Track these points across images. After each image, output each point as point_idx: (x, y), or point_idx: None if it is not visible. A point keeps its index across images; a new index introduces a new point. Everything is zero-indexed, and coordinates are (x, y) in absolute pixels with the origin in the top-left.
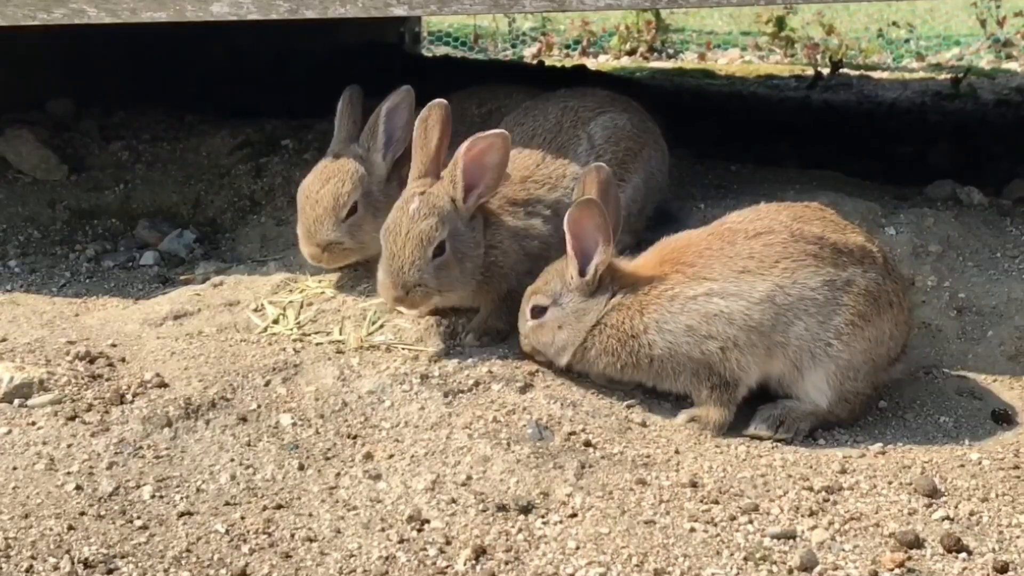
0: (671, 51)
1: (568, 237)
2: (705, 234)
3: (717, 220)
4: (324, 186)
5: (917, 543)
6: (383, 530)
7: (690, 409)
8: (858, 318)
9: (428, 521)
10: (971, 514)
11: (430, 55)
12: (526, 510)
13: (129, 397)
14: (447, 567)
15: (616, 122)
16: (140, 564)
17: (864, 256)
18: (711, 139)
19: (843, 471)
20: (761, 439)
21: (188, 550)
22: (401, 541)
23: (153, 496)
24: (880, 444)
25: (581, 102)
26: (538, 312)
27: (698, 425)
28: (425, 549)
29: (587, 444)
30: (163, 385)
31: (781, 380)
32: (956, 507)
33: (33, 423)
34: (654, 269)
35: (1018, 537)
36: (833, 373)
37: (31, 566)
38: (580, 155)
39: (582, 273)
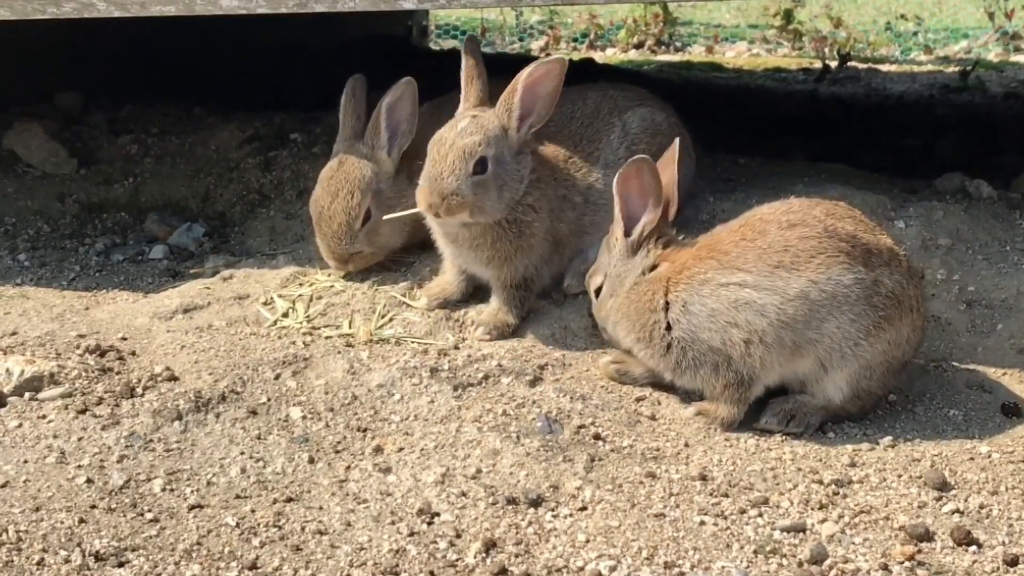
0: (679, 44)
1: (616, 198)
2: (737, 225)
3: (747, 212)
4: (334, 201)
5: (927, 536)
6: (393, 523)
7: (700, 403)
8: (884, 320)
9: (438, 514)
10: (981, 507)
11: (437, 48)
12: (536, 503)
13: (139, 390)
14: (457, 560)
15: (654, 117)
16: (151, 557)
17: (891, 258)
18: (719, 132)
19: (853, 464)
20: (771, 433)
21: (199, 543)
22: (411, 534)
23: (164, 489)
24: (890, 437)
25: (622, 92)
26: (598, 292)
27: (706, 420)
28: (435, 542)
29: (597, 437)
30: (173, 378)
31: (805, 378)
32: (966, 500)
33: (44, 416)
34: (691, 255)
35: None
36: (854, 372)
37: (42, 559)
38: (613, 142)
39: (627, 234)
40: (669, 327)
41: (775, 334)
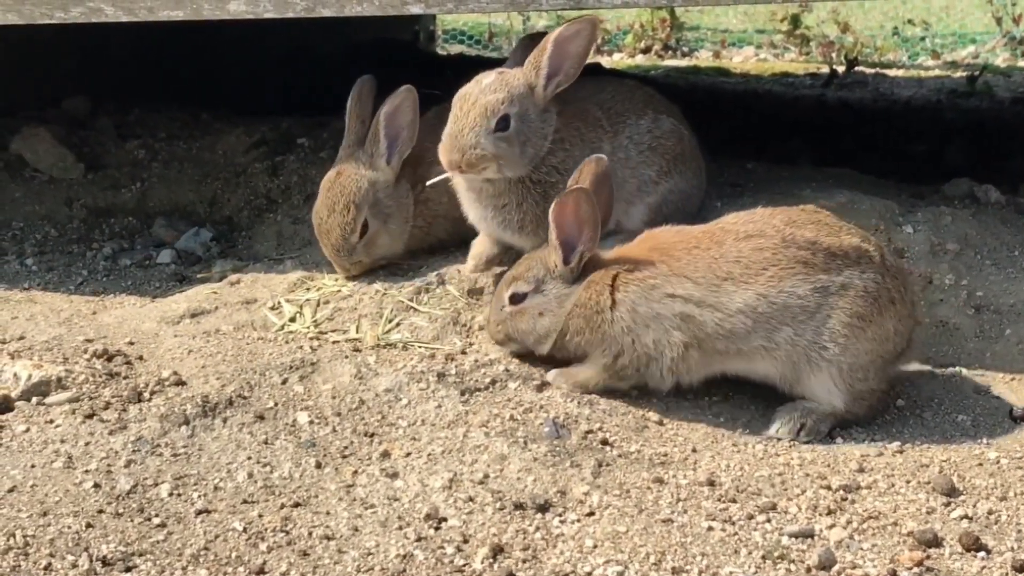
0: (686, 49)
1: (552, 226)
2: (698, 231)
3: (715, 220)
4: (331, 215)
5: (935, 542)
6: (400, 528)
7: (563, 368)
8: (856, 320)
9: (445, 519)
10: (989, 513)
11: (444, 53)
12: (543, 508)
13: (147, 395)
14: (464, 565)
15: (682, 130)
16: (158, 562)
17: (860, 257)
18: (726, 137)
19: (861, 470)
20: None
21: (206, 548)
22: (418, 539)
23: (171, 494)
24: (898, 443)
25: (661, 96)
26: (518, 299)
27: (565, 380)
28: (442, 547)
29: (604, 442)
30: (180, 383)
31: (781, 381)
32: (974, 506)
33: (51, 421)
34: (640, 254)
35: None
36: (838, 376)
37: (49, 564)
38: (641, 125)
39: (566, 261)
40: (612, 323)
41: (712, 344)
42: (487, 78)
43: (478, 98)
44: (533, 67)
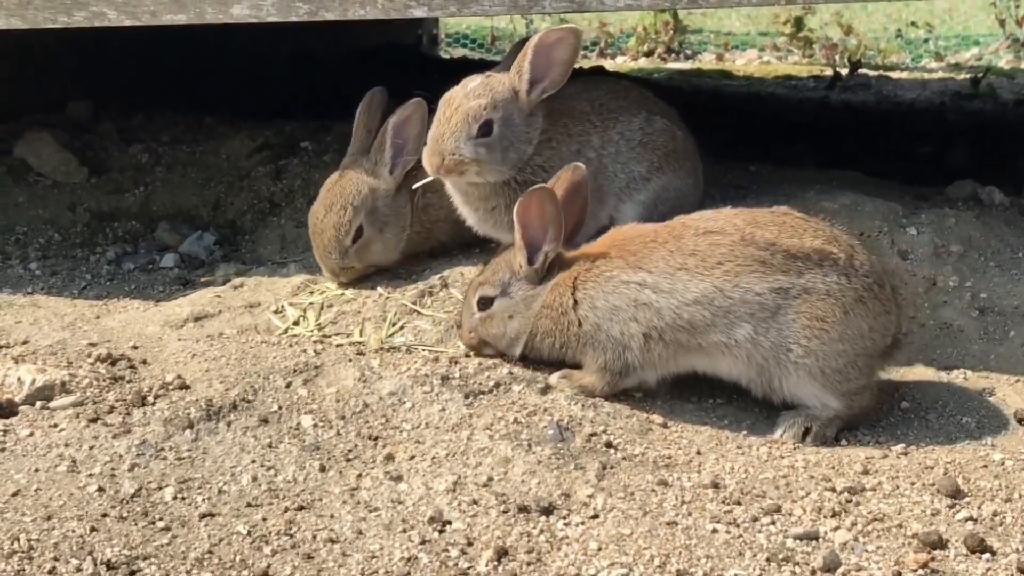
0: (689, 52)
1: (517, 226)
2: (658, 226)
3: (675, 217)
4: (327, 215)
5: (940, 544)
6: (405, 531)
7: (567, 369)
8: (818, 322)
9: (450, 522)
10: (994, 514)
11: (448, 57)
12: (548, 511)
13: (150, 399)
14: (469, 568)
15: (676, 132)
16: (163, 565)
17: (823, 259)
18: (730, 140)
19: (865, 472)
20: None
21: (210, 551)
22: (423, 542)
23: (175, 498)
24: (902, 445)
25: (657, 99)
26: (485, 303)
27: (569, 383)
28: (447, 550)
29: (608, 445)
30: (184, 387)
31: (751, 384)
32: (979, 508)
33: (55, 425)
34: (599, 251)
35: None
36: (814, 380)
37: (54, 567)
38: (633, 123)
39: (531, 262)
40: (580, 324)
41: (672, 335)
42: (472, 82)
43: (461, 103)
44: (517, 71)
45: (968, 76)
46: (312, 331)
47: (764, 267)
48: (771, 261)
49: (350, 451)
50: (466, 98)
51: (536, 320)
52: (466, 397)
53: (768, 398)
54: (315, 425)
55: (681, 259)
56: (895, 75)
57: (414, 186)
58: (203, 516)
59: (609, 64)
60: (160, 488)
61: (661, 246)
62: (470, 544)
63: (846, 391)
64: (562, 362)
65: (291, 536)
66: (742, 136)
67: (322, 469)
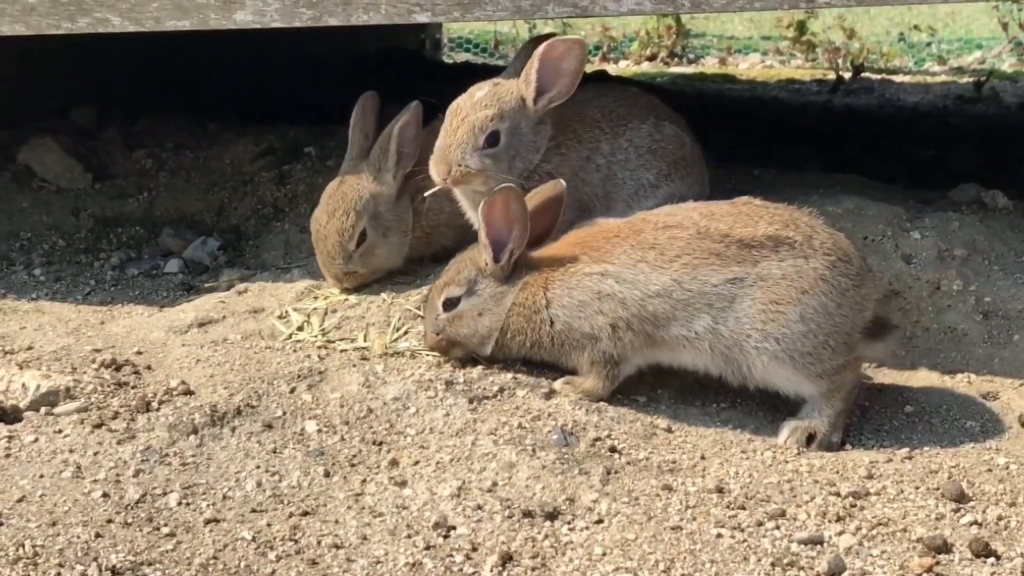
0: (692, 56)
1: (482, 223)
2: (619, 222)
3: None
4: (330, 220)
5: (945, 548)
6: (409, 537)
7: (569, 376)
8: (773, 305)
9: (454, 528)
10: (999, 519)
11: (451, 61)
12: (552, 516)
13: (155, 404)
14: (474, 573)
15: (685, 138)
16: (167, 571)
17: (777, 245)
18: (733, 144)
19: (870, 476)
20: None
21: (215, 557)
22: (427, 548)
23: (180, 503)
24: (907, 449)
25: (666, 106)
26: (451, 304)
27: (572, 389)
28: (451, 556)
29: (612, 450)
30: (189, 392)
31: (721, 374)
32: (984, 512)
33: (60, 431)
34: (565, 251)
35: None
36: (782, 363)
37: (59, 574)
38: (642, 129)
39: (496, 259)
40: (552, 323)
41: (639, 325)
42: (480, 91)
43: (468, 114)
44: (524, 80)
45: (971, 79)
46: (316, 336)
47: (720, 259)
48: (726, 253)
49: (354, 456)
50: (473, 108)
51: (508, 318)
52: (470, 402)
53: (746, 386)
54: (319, 430)
55: (641, 252)
56: (898, 79)
57: (424, 194)
58: (208, 522)
59: (612, 68)
60: (165, 494)
61: (623, 240)
62: (475, 549)
63: (821, 372)
64: (531, 362)
65: (296, 542)
66: (745, 140)
67: (326, 474)
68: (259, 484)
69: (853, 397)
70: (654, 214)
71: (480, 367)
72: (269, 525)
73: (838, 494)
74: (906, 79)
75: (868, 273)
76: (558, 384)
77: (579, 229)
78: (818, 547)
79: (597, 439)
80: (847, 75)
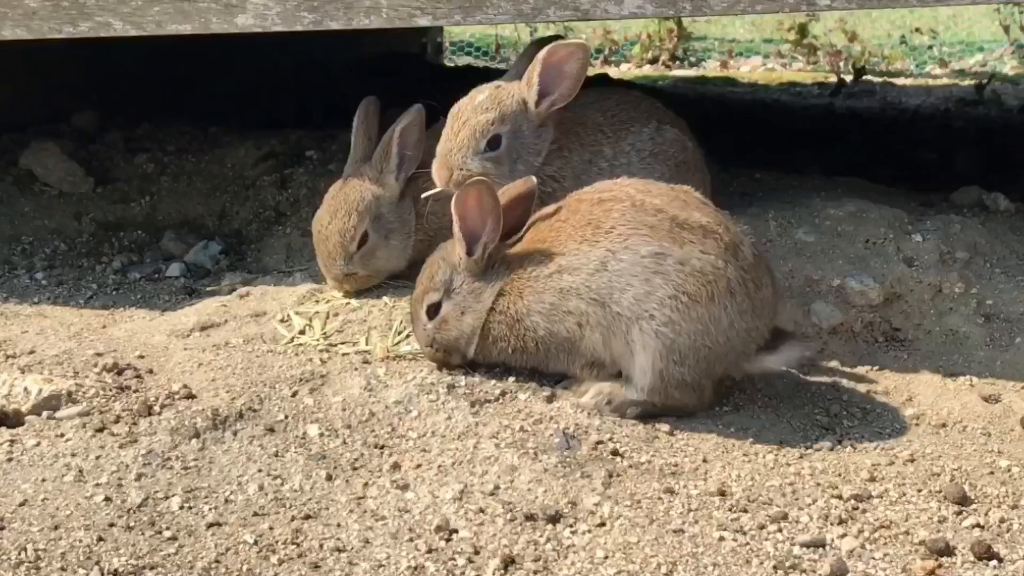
0: (693, 59)
1: (455, 218)
2: (558, 205)
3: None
4: (332, 221)
5: (948, 551)
6: (411, 540)
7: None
8: (683, 295)
9: (456, 531)
10: (1001, 521)
11: (452, 65)
12: (554, 519)
13: (157, 408)
14: None
15: (687, 143)
16: (169, 575)
17: (706, 236)
18: (734, 147)
19: (872, 479)
20: (583, 409)
21: (217, 561)
22: (429, 551)
23: (182, 507)
24: (909, 452)
25: (668, 110)
26: (434, 310)
27: (603, 397)
28: (454, 559)
29: (614, 453)
30: (190, 396)
31: (620, 357)
32: (986, 514)
33: (61, 435)
34: (526, 246)
35: None
36: (657, 352)
37: None
38: (644, 133)
39: (470, 253)
40: (535, 329)
41: (592, 312)
42: (481, 94)
43: (469, 117)
44: (526, 83)
45: (973, 82)
46: (318, 340)
47: (652, 232)
48: (658, 227)
49: (356, 460)
50: (474, 112)
51: (488, 323)
52: (472, 405)
53: (613, 361)
54: (321, 434)
55: (580, 232)
56: (899, 81)
57: (424, 195)
58: (210, 525)
59: (613, 72)
60: (167, 497)
61: (564, 223)
62: (477, 553)
63: (666, 375)
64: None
65: (298, 545)
66: (747, 143)
67: (328, 478)
68: (261, 488)
69: (677, 412)
70: (587, 191)
71: (482, 370)
72: (271, 529)
73: (840, 497)
74: (908, 82)
75: (769, 304)
76: (588, 400)
77: (531, 223)
78: (820, 550)
79: (599, 442)
80: (848, 78)
